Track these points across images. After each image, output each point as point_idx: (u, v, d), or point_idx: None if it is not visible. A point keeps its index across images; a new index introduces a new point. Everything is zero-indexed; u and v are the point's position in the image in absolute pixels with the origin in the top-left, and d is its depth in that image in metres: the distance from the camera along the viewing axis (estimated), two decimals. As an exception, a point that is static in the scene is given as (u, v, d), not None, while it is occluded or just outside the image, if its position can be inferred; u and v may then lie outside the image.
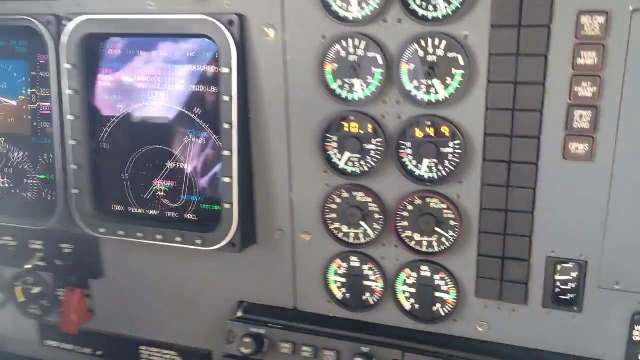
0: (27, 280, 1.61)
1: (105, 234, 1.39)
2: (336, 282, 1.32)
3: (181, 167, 1.35)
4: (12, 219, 1.48)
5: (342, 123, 1.22)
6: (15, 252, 1.56)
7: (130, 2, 1.29)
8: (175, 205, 1.38)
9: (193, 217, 1.37)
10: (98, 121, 1.38)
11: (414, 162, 1.19)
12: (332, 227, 1.28)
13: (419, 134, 1.17)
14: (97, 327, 1.58)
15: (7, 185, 1.51)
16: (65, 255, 1.52)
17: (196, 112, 1.32)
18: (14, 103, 1.45)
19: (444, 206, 1.18)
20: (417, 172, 1.19)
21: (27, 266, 1.53)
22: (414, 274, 1.25)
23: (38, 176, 1.48)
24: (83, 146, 1.38)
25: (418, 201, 1.20)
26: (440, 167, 1.17)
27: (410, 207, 1.21)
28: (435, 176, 1.18)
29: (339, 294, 1.33)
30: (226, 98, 1.24)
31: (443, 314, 1.25)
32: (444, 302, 1.24)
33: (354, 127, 1.21)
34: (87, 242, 1.49)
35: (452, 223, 1.19)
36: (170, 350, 1.52)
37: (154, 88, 1.34)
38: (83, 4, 1.33)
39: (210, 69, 1.28)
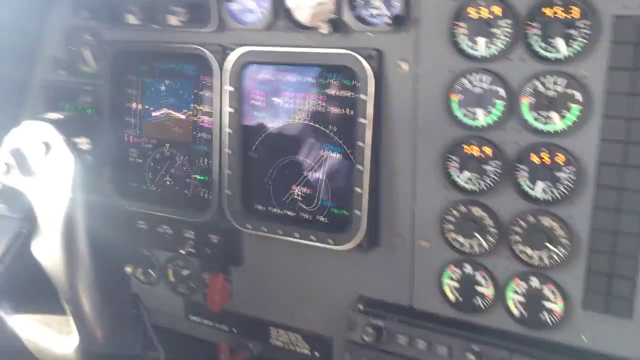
0: (178, 263, 1.89)
1: (250, 229, 1.64)
2: (450, 285, 1.48)
3: (317, 176, 1.56)
4: (173, 211, 1.76)
5: (464, 146, 1.37)
6: (171, 239, 1.84)
7: (284, 37, 1.52)
8: (309, 208, 1.59)
9: (324, 219, 1.58)
10: (250, 134, 1.63)
11: (529, 184, 1.32)
12: (448, 236, 1.44)
13: (535, 159, 1.30)
14: (234, 308, 1.83)
15: (170, 183, 1.80)
16: (213, 244, 1.78)
17: (332, 129, 1.52)
18: (181, 116, 1.73)
19: (556, 225, 1.31)
20: (532, 193, 1.32)
21: (181, 251, 1.80)
22: (524, 284, 1.38)
23: (196, 177, 1.74)
24: (236, 155, 1.63)
25: (531, 219, 1.33)
26: (554, 190, 1.30)
27: (523, 224, 1.34)
28: (549, 198, 1.31)
29: (452, 297, 1.48)
30: (362, 121, 1.43)
31: (550, 322, 1.36)
32: (551, 312, 1.36)
33: (474, 150, 1.37)
34: (231, 235, 1.73)
35: (562, 240, 1.31)
36: (296, 333, 1.74)
37: (297, 108, 1.56)
38: (245, 36, 1.57)
39: (348, 94, 1.48)
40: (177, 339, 1.95)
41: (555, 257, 1.32)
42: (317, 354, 1.72)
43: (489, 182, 1.37)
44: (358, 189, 1.47)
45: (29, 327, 1.21)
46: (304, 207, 1.60)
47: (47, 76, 1.92)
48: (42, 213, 1.14)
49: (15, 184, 1.18)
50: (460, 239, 1.43)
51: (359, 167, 1.46)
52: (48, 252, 1.14)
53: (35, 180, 1.16)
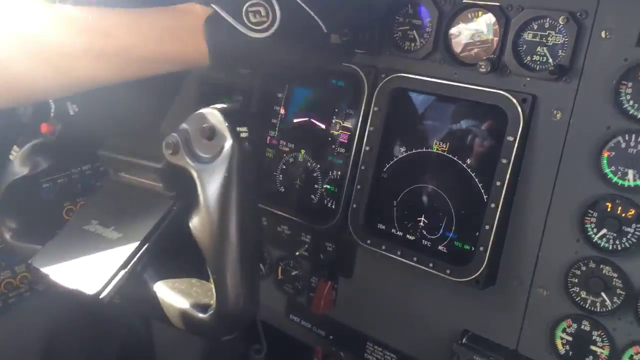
0: (289, 262, 1.96)
1: (370, 245, 1.68)
2: (562, 338, 1.44)
3: (445, 207, 1.58)
4: (296, 214, 1.84)
5: (607, 203, 1.35)
6: (287, 240, 1.91)
7: (438, 68, 1.56)
8: (431, 236, 1.61)
9: (444, 249, 1.60)
10: (385, 155, 1.68)
11: (671, 254, 1.28)
12: (571, 289, 1.41)
13: (682, 230, 1.26)
14: (334, 316, 1.87)
15: (299, 187, 1.88)
16: (327, 252, 1.83)
17: (470, 164, 1.54)
18: (322, 126, 1.81)
19: (694, 300, 1.26)
20: (673, 263, 1.28)
21: (297, 253, 1.87)
22: (645, 353, 1.33)
23: (325, 186, 1.81)
24: (370, 172, 1.68)
25: (667, 289, 1.29)
26: (699, 265, 1.25)
27: (656, 292, 1.30)
28: (691, 271, 1.26)
29: (562, 350, 1.45)
30: (504, 161, 1.44)
31: (667, 396, 1.31)
32: (671, 386, 1.30)
33: (617, 209, 1.34)
34: (347, 246, 1.78)
35: (698, 317, 1.25)
36: (392, 353, 1.75)
37: (439, 138, 1.59)
38: (400, 62, 1.63)
39: (494, 132, 1.50)
40: (275, 334, 2.01)
41: (688, 332, 1.27)
42: (409, 378, 1.72)
43: (626, 244, 1.33)
44: (487, 226, 1.47)
45: (170, 294, 1.31)
46: (426, 234, 1.62)
47: (204, 72, 2.07)
48: (202, 192, 1.23)
49: (180, 163, 1.28)
50: (584, 294, 1.40)
51: (492, 205, 1.46)
52: (202, 227, 1.22)
53: (198, 161, 1.26)
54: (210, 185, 1.21)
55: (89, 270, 1.28)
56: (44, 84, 1.31)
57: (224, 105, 1.31)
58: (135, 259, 1.25)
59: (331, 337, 1.90)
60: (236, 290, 1.18)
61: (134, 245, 1.26)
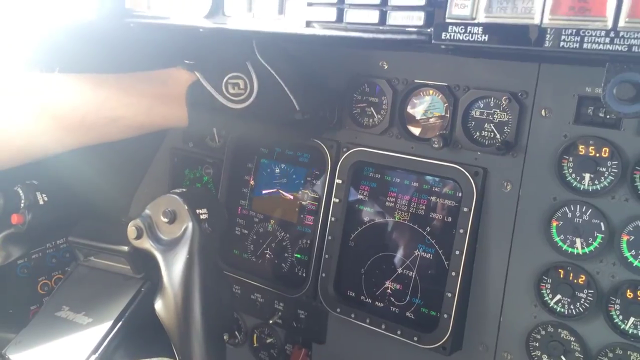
0: (264, 330, 1.98)
1: (340, 313, 1.71)
2: (528, 401, 1.48)
3: (409, 274, 1.63)
4: (268, 282, 1.87)
5: (559, 270, 1.41)
6: (261, 308, 1.93)
7: (396, 143, 1.63)
8: (399, 303, 1.65)
9: (412, 315, 1.63)
10: (351, 225, 1.72)
11: (621, 317, 1.33)
12: (534, 354, 1.45)
13: (629, 294, 1.32)
14: (310, 383, 1.88)
15: (269, 256, 1.91)
16: (300, 319, 1.86)
17: (430, 233, 1.59)
18: (290, 197, 1.86)
19: (645, 363, 1.30)
20: (623, 327, 1.33)
21: (270, 321, 1.89)
22: (606, 415, 1.36)
23: (295, 255, 1.85)
24: (336, 241, 1.73)
25: (619, 352, 1.33)
26: (647, 328, 1.30)
27: (610, 355, 1.34)
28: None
29: (529, 413, 1.48)
30: (461, 231, 1.50)
31: None
32: None
33: (569, 275, 1.39)
34: (319, 314, 1.81)
35: (651, 379, 1.30)
36: (368, 419, 1.76)
37: (399, 208, 1.64)
38: (359, 137, 1.69)
39: (450, 203, 1.56)
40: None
41: (643, 394, 1.31)
42: None
43: (580, 308, 1.38)
44: (449, 294, 1.52)
45: None
46: (394, 301, 1.66)
47: (176, 144, 2.12)
48: (165, 273, 1.27)
49: (144, 247, 1.33)
50: (545, 358, 1.44)
51: (453, 273, 1.51)
52: (167, 308, 1.26)
53: (161, 244, 1.30)
54: (173, 267, 1.26)
55: (62, 357, 1.30)
56: (39, 146, 1.34)
57: (184, 190, 1.37)
58: (105, 342, 1.27)
59: (308, 404, 1.90)
60: None
61: (104, 328, 1.29)
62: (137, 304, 1.38)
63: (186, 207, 1.30)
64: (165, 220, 1.31)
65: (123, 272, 1.43)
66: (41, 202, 1.50)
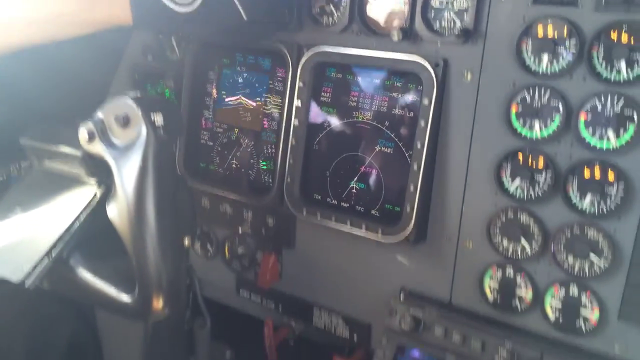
0: (234, 241, 1.95)
1: (305, 214, 1.68)
2: (490, 285, 1.48)
3: (373, 172, 1.60)
4: (235, 192, 1.82)
5: (518, 155, 1.38)
6: (230, 219, 1.90)
7: (356, 40, 1.56)
8: (364, 202, 1.63)
9: (376, 213, 1.61)
10: (314, 128, 1.67)
11: (578, 196, 1.32)
12: (494, 239, 1.45)
13: (586, 173, 1.31)
14: (282, 288, 1.87)
15: (235, 166, 1.86)
16: (269, 227, 1.83)
17: (392, 130, 1.55)
18: (253, 104, 1.79)
19: (600, 237, 1.30)
20: (580, 206, 1.32)
21: (240, 231, 1.86)
22: (563, 291, 1.37)
23: (261, 162, 1.80)
24: (300, 146, 1.67)
25: (576, 229, 1.33)
26: (602, 204, 1.29)
27: (568, 233, 1.34)
28: (596, 211, 1.30)
29: (490, 296, 1.49)
30: (422, 123, 1.46)
31: (584, 330, 1.36)
32: (586, 320, 1.35)
33: (527, 160, 1.37)
34: (287, 219, 1.78)
35: (605, 252, 1.30)
36: (338, 316, 1.77)
37: (362, 107, 1.59)
38: (320, 37, 1.62)
39: (411, 98, 1.51)
40: (226, 313, 2.00)
41: (597, 267, 1.32)
42: (355, 337, 1.74)
43: (538, 191, 1.37)
44: (412, 187, 1.49)
45: (95, 278, 1.28)
46: (359, 200, 1.63)
47: (136, 60, 2.01)
48: (118, 179, 1.21)
49: (96, 151, 1.25)
50: (505, 242, 1.44)
51: (415, 166, 1.48)
52: (120, 214, 1.21)
53: (114, 149, 1.23)
54: (126, 173, 1.19)
55: (14, 258, 1.24)
56: None
57: (139, 94, 1.28)
58: (59, 245, 1.21)
59: (280, 308, 1.90)
60: (157, 274, 1.17)
61: (58, 231, 1.23)
62: (91, 209, 1.32)
63: (140, 112, 1.22)
64: (119, 124, 1.23)
65: (78, 177, 1.36)
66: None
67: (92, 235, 1.29)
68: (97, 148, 1.22)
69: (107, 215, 1.24)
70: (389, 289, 1.63)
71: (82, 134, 1.22)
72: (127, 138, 1.21)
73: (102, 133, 1.22)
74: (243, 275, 1.95)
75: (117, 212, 1.18)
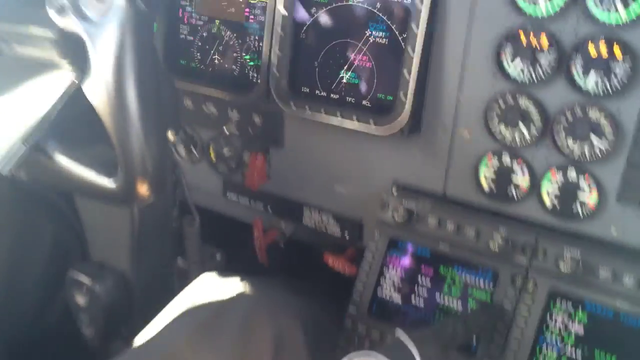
0: (220, 142, 1.86)
1: (293, 108, 1.59)
2: (485, 175, 1.44)
3: (365, 60, 1.50)
4: (219, 90, 1.72)
5: (520, 34, 1.29)
6: (215, 119, 1.80)
7: None
8: (355, 92, 1.54)
9: (368, 103, 1.53)
10: (302, 17, 1.55)
11: (582, 75, 1.25)
12: (491, 126, 1.39)
13: (591, 50, 1.23)
14: (270, 189, 1.82)
15: (218, 62, 1.74)
16: (255, 125, 1.74)
17: (385, 14, 1.45)
18: (235, -8, 1.65)
19: (603, 117, 1.25)
20: (583, 85, 1.26)
21: (226, 131, 1.77)
22: (560, 175, 1.33)
23: (244, 55, 1.69)
24: (288, 37, 1.56)
25: (578, 110, 1.27)
26: (607, 83, 1.23)
27: (569, 115, 1.29)
28: (600, 91, 1.24)
29: (486, 186, 1.45)
30: (419, 6, 1.35)
31: (581, 214, 1.33)
32: (584, 204, 1.33)
33: (530, 39, 1.29)
34: (274, 116, 1.69)
35: (607, 133, 1.26)
36: (328, 214, 1.73)
37: (352, -10, 1.47)
38: None
39: (407, -23, 1.39)
40: (216, 218, 1.95)
41: (597, 149, 1.27)
42: (347, 235, 1.72)
43: (541, 73, 1.30)
44: (406, 74, 1.41)
45: (74, 163, 1.21)
46: (350, 90, 1.55)
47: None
48: (94, 56, 1.11)
49: (68, 26, 1.14)
50: (503, 129, 1.38)
51: (409, 50, 1.39)
52: (99, 93, 1.12)
53: (88, 23, 1.12)
54: (102, 48, 1.09)
55: None
56: None
57: None
58: (35, 132, 1.13)
59: (269, 209, 1.86)
60: (141, 157, 1.10)
61: (33, 118, 1.13)
62: (67, 92, 1.22)
63: None
64: None
65: (52, 63, 1.24)
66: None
67: (70, 122, 1.20)
68: (69, 22, 1.10)
69: (84, 102, 1.14)
70: (381, 184, 1.59)
71: (51, 5, 1.10)
72: (102, 10, 1.09)
73: (74, 5, 1.10)
74: (230, 177, 1.89)
75: (95, 91, 1.09)
